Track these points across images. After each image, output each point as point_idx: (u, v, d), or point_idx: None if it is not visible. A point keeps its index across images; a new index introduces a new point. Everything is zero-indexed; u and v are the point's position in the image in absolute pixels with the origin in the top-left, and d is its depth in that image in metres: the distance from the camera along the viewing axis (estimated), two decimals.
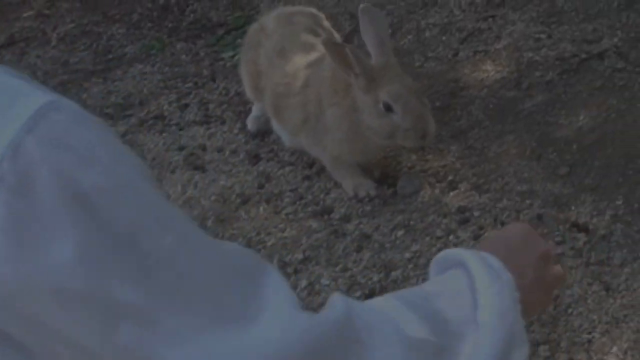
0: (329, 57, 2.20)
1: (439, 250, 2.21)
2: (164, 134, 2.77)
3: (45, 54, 3.29)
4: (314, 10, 2.71)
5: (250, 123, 2.72)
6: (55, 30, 3.39)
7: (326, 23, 2.66)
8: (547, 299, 1.22)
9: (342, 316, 0.86)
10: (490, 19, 2.87)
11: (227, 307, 0.76)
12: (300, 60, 2.45)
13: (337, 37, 2.68)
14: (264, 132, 2.70)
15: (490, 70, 2.68)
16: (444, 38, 2.84)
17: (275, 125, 2.62)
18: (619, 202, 2.24)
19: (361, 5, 2.23)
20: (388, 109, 2.16)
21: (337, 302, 0.89)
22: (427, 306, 0.96)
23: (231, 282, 0.78)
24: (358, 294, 2.12)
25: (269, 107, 2.55)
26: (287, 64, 2.45)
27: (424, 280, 2.29)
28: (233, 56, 3.03)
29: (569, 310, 2.00)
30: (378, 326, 0.88)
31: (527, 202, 2.29)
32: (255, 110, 2.71)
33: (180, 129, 2.79)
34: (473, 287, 1.00)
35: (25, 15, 3.53)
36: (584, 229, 2.19)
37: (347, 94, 2.26)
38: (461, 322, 0.98)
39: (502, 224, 2.23)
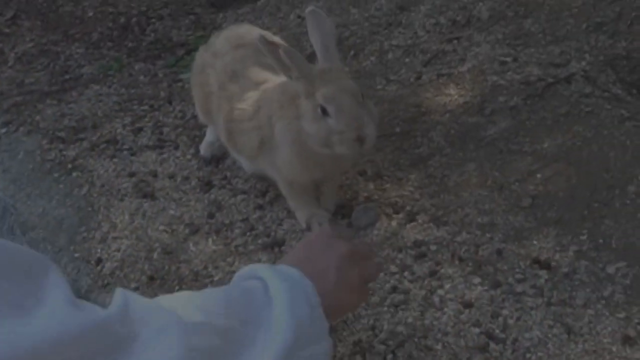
0: (266, 54, 2.00)
1: (393, 287, 2.05)
2: (114, 159, 2.58)
3: (1, 74, 3.09)
4: (261, 31, 2.51)
5: (204, 149, 2.52)
6: (14, 49, 3.20)
7: (276, 38, 2.46)
8: (356, 297, 1.28)
9: (118, 310, 0.91)
10: (455, 41, 2.69)
11: (3, 299, 0.80)
12: (252, 83, 2.25)
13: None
14: (218, 159, 2.51)
15: (453, 95, 2.50)
16: (407, 60, 2.65)
17: (231, 151, 2.42)
18: (583, 237, 2.05)
19: (308, 8, 2.04)
20: (324, 112, 1.94)
21: (116, 297, 0.94)
22: (214, 297, 1.03)
23: (11, 277, 0.83)
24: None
25: (221, 132, 2.36)
26: (239, 88, 2.25)
27: (375, 321, 2.06)
28: None
29: (528, 355, 1.80)
30: (154, 319, 0.93)
31: (487, 235, 2.10)
32: (209, 135, 2.52)
33: (132, 154, 2.59)
34: (267, 291, 1.07)
35: None
36: (545, 265, 2.00)
37: (292, 104, 2.05)
38: (252, 313, 1.04)
39: (460, 259, 2.04)
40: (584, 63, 2.60)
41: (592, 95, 2.49)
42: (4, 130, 2.85)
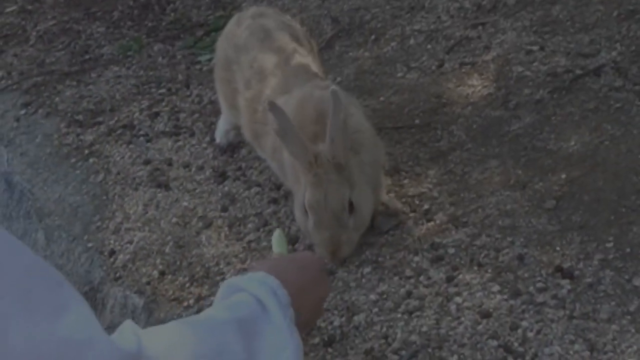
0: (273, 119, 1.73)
1: (408, 293, 1.85)
2: (130, 146, 2.40)
3: (22, 53, 2.91)
4: (281, 16, 2.24)
5: (219, 137, 2.33)
6: (35, 27, 2.99)
7: (302, 34, 2.19)
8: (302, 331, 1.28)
9: (137, 350, 0.87)
10: (480, 27, 2.43)
11: (41, 300, 0.78)
12: (279, 87, 1.98)
13: (313, 45, 2.24)
14: (233, 147, 2.31)
15: (476, 85, 2.25)
16: (429, 46, 2.40)
17: (257, 150, 2.18)
18: (609, 245, 1.83)
19: (332, 87, 1.72)
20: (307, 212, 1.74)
21: (127, 333, 0.91)
22: (216, 341, 1.00)
23: (40, 282, 0.80)
24: (316, 340, 1.75)
25: (246, 131, 2.12)
26: (265, 88, 2.00)
27: (388, 328, 1.86)
28: (210, 59, 2.62)
29: None
30: None
31: (508, 239, 1.89)
32: (224, 123, 2.31)
33: (148, 141, 2.41)
34: (265, 312, 1.06)
35: (8, 10, 3.14)
36: (568, 274, 1.79)
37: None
38: (247, 352, 1.02)
39: (479, 265, 1.84)
40: (614, 53, 2.32)
41: (622, 89, 2.22)
42: (23, 112, 2.69)
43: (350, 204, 1.70)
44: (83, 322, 0.80)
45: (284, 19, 2.22)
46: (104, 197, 2.30)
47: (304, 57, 2.05)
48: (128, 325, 0.93)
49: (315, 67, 2.06)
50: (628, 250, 1.82)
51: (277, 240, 1.61)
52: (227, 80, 2.14)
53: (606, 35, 2.37)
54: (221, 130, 2.33)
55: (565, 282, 1.78)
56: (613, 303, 1.72)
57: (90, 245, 2.17)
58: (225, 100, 2.22)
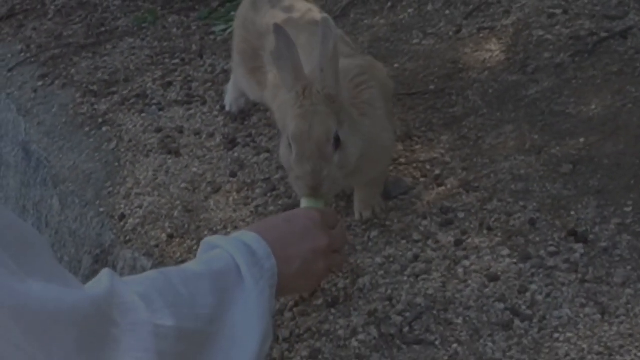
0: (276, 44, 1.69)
1: (415, 256, 1.88)
2: (143, 114, 2.50)
3: (41, 27, 3.04)
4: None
5: (230, 105, 2.38)
6: (54, 2, 3.13)
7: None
8: (310, 286, 1.38)
9: (106, 292, 0.93)
10: None
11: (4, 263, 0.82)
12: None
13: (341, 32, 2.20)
14: (244, 114, 2.37)
15: (494, 50, 2.25)
16: (447, 12, 2.41)
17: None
18: (628, 209, 1.82)
19: (322, 15, 1.71)
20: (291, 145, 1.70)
21: (103, 277, 0.97)
22: (187, 291, 1.06)
23: (12, 244, 0.84)
24: (320, 301, 1.80)
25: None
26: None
27: (393, 290, 1.90)
28: (225, 29, 2.69)
29: (556, 335, 1.61)
30: (131, 312, 0.95)
31: (520, 204, 1.89)
32: (233, 91, 2.37)
33: (161, 109, 2.50)
34: (239, 276, 1.12)
35: None
36: (582, 239, 1.78)
37: None
38: (218, 306, 1.08)
39: (489, 229, 1.85)
40: None
41: None
42: (40, 83, 2.82)
43: (337, 139, 1.65)
44: (54, 282, 0.86)
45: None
46: (116, 164, 2.39)
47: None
48: (105, 272, 1.00)
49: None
50: None
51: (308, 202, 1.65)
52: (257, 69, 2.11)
53: None
54: (231, 97, 2.40)
55: (578, 247, 1.78)
56: (629, 267, 1.71)
57: (102, 210, 2.26)
58: (247, 72, 2.19)
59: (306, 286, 1.42)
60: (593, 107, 2.06)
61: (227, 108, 2.41)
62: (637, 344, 1.56)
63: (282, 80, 1.71)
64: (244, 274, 1.13)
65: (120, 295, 0.94)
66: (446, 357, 1.58)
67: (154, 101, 2.54)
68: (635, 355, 1.56)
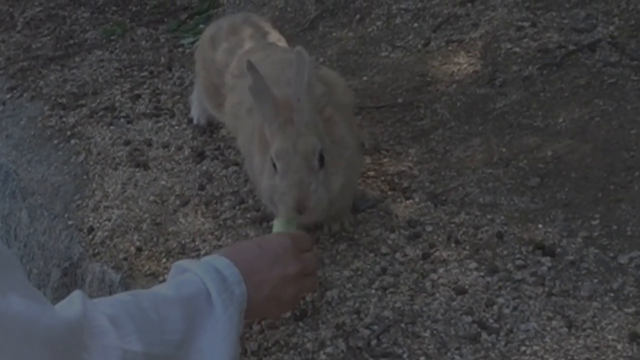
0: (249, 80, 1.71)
1: (382, 269, 1.87)
2: (111, 127, 2.47)
3: (9, 39, 3.02)
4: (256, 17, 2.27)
5: (197, 117, 2.37)
6: (23, 14, 3.11)
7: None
8: (279, 312, 1.41)
9: (79, 315, 0.94)
10: (469, 4, 2.44)
11: None
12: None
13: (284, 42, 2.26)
14: (212, 127, 2.36)
15: (462, 63, 2.26)
16: (415, 25, 2.42)
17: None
18: (595, 222, 1.83)
19: (296, 48, 1.71)
20: (275, 167, 1.69)
21: (75, 302, 0.98)
22: (157, 316, 1.07)
23: None
24: (288, 315, 1.78)
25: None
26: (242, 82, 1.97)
27: (361, 304, 1.89)
28: (193, 42, 2.68)
29: (522, 348, 1.61)
30: (100, 336, 0.95)
31: (488, 217, 1.89)
32: (198, 105, 2.37)
33: (129, 122, 2.48)
34: (210, 302, 1.14)
35: None
36: (549, 252, 1.79)
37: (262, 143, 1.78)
38: (187, 331, 1.09)
39: (457, 242, 1.85)
40: (611, 28, 2.32)
41: (618, 65, 2.21)
42: (8, 95, 2.79)
43: (322, 157, 1.67)
44: (29, 299, 0.86)
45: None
46: (85, 177, 2.36)
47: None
48: (77, 295, 1.01)
49: None
50: (615, 227, 1.81)
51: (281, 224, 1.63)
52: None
53: (604, 9, 2.37)
54: (197, 111, 2.38)
55: (545, 260, 1.78)
56: (595, 280, 1.72)
57: (70, 222, 2.23)
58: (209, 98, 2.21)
59: (276, 311, 1.45)
60: (561, 120, 2.07)
61: (195, 121, 2.40)
62: (603, 357, 1.56)
63: (262, 115, 1.71)
64: (214, 299, 1.15)
65: (91, 319, 0.96)
66: None
67: (123, 114, 2.52)
68: None
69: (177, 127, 2.41)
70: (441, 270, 1.79)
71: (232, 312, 1.17)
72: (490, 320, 1.66)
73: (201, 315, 1.13)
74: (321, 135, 1.72)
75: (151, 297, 1.12)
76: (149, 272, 2.00)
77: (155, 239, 2.09)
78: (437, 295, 1.74)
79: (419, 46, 2.35)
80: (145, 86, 2.61)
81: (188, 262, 1.24)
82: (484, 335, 1.64)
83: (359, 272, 1.84)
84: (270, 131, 1.71)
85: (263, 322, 1.79)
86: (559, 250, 1.79)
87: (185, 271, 1.23)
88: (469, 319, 1.68)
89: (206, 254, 2.03)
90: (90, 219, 2.23)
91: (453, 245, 1.85)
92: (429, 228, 1.90)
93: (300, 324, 1.73)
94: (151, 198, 2.20)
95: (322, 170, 1.67)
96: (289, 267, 1.30)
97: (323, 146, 1.69)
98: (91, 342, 0.93)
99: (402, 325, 1.68)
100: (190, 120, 2.42)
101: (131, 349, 0.98)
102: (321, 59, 2.46)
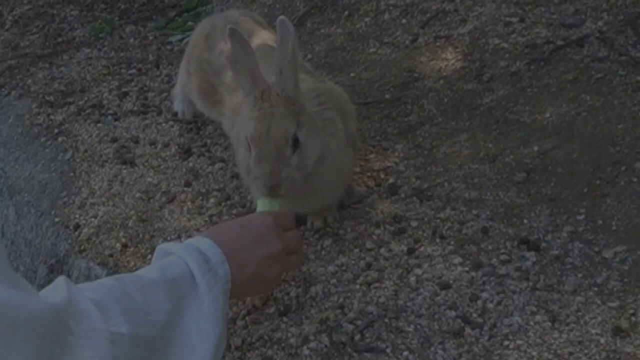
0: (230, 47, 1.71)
1: (367, 264, 1.87)
2: (99, 124, 2.48)
3: None
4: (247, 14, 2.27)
5: (182, 112, 2.39)
6: (12, 12, 3.12)
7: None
8: (263, 290, 1.42)
9: (64, 300, 0.94)
10: (457, 0, 2.44)
11: None
12: None
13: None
14: (199, 124, 2.36)
15: (450, 59, 2.27)
16: (404, 21, 2.42)
17: None
18: (580, 217, 1.83)
19: (279, 17, 1.69)
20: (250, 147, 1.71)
21: (60, 285, 0.98)
22: (142, 298, 1.08)
23: None
24: (272, 310, 1.78)
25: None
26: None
27: (345, 299, 1.89)
28: (182, 39, 2.69)
29: (506, 343, 1.61)
30: (86, 320, 0.96)
31: (473, 212, 1.90)
32: (183, 99, 2.37)
33: (116, 119, 2.49)
34: (194, 283, 1.14)
35: None
36: (534, 247, 1.79)
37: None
38: (173, 312, 1.10)
39: (442, 237, 1.85)
40: (600, 23, 2.32)
41: (606, 60, 2.22)
42: None
43: (296, 140, 1.67)
44: (13, 287, 0.87)
45: None
46: (71, 174, 2.37)
47: None
48: (61, 280, 1.01)
49: None
50: (600, 222, 1.82)
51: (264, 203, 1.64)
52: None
53: (592, 5, 2.37)
54: (182, 105, 2.39)
55: (530, 255, 1.78)
56: (580, 275, 1.72)
57: (57, 219, 2.24)
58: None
59: (260, 290, 1.45)
60: (547, 115, 2.07)
61: (180, 115, 2.40)
62: (586, 352, 1.56)
63: (240, 83, 1.71)
64: (197, 280, 1.15)
65: (77, 304, 0.96)
66: None
67: (110, 111, 2.52)
68: None
69: (164, 125, 2.42)
70: (426, 266, 1.80)
71: (216, 292, 1.16)
72: (474, 315, 1.67)
73: (186, 296, 1.13)
74: (303, 110, 1.70)
75: (135, 280, 1.13)
76: (134, 268, 2.00)
77: (141, 236, 2.10)
78: (422, 290, 1.74)
79: (407, 42, 2.36)
80: (133, 84, 2.61)
81: (171, 245, 1.24)
82: (468, 329, 1.64)
83: (344, 268, 1.85)
84: (246, 103, 1.70)
85: (247, 318, 1.80)
86: (543, 245, 1.80)
87: (169, 254, 1.23)
88: (453, 313, 1.68)
89: None
90: (77, 216, 2.24)
91: (438, 240, 1.85)
92: (414, 223, 1.90)
93: (284, 319, 1.74)
94: (137, 195, 2.21)
95: (296, 153, 1.67)
96: (272, 245, 1.29)
97: (297, 127, 1.67)
98: (77, 326, 0.94)
99: (386, 320, 1.68)
100: (175, 115, 2.43)
101: (118, 331, 0.99)
102: (309, 56, 2.47)
